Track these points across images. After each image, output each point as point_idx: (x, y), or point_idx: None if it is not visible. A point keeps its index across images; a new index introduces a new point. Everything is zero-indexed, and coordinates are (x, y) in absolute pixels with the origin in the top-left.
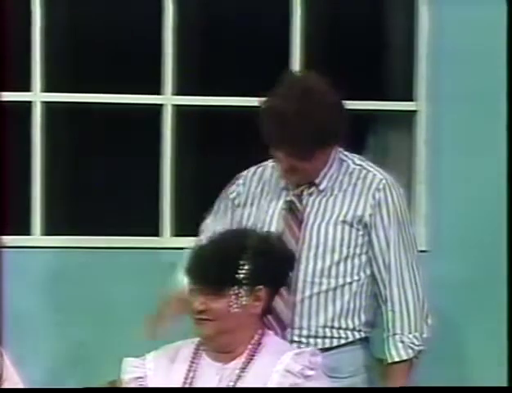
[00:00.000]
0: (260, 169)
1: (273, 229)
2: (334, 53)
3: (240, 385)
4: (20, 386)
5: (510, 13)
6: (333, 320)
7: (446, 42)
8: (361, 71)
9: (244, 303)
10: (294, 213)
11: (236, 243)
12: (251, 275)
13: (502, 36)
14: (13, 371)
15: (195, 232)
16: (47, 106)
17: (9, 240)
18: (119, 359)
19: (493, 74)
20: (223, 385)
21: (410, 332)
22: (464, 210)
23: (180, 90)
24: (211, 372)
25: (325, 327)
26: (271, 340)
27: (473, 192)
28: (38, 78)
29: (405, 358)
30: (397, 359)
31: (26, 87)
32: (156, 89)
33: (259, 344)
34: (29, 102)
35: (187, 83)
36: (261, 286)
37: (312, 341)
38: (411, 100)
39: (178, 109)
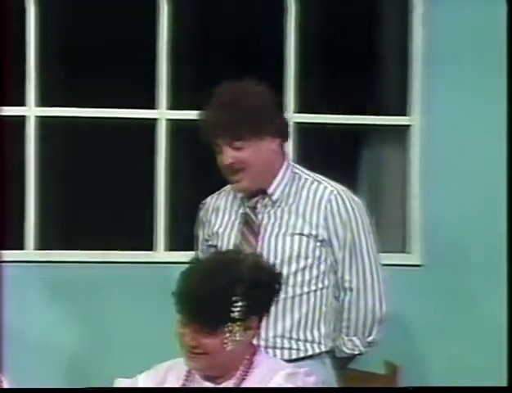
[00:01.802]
0: (219, 194)
1: (231, 242)
2: (327, 68)
3: None
4: None
5: (510, 15)
6: (291, 331)
7: (441, 57)
8: (355, 86)
9: (237, 338)
10: (249, 225)
11: (229, 277)
12: (245, 310)
13: (498, 50)
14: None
15: (189, 247)
16: (42, 120)
17: (2, 254)
18: (114, 373)
19: (489, 89)
20: None
21: (355, 335)
22: (459, 224)
23: (174, 104)
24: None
25: (283, 337)
26: (263, 358)
27: (468, 206)
28: (33, 92)
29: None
30: (340, 355)
31: (20, 101)
32: (151, 104)
33: (251, 363)
34: (23, 117)
35: (182, 98)
36: (254, 317)
37: (270, 351)
38: (405, 114)
39: (173, 123)
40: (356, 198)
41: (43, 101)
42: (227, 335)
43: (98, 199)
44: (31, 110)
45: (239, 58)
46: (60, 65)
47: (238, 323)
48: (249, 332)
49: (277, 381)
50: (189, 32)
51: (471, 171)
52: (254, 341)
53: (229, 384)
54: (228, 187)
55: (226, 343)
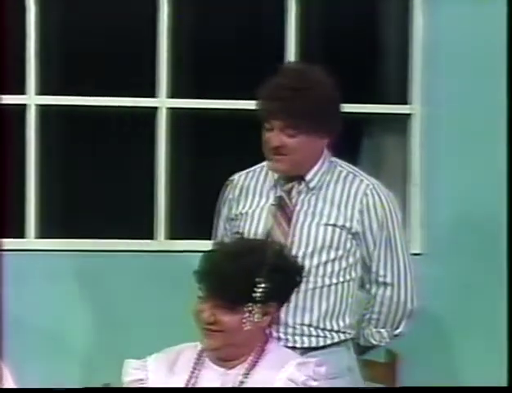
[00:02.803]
0: (247, 173)
1: (261, 224)
2: (328, 57)
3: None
4: None
5: (510, 13)
6: (318, 321)
7: (441, 45)
8: (355, 74)
9: (256, 320)
10: (283, 209)
11: (254, 259)
12: (266, 293)
13: (499, 38)
14: (12, 383)
15: (190, 235)
16: (42, 108)
17: (2, 243)
18: (116, 361)
19: (489, 77)
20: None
21: (384, 327)
22: (460, 213)
23: (175, 93)
24: (213, 378)
25: (310, 326)
26: (275, 346)
27: (468, 195)
28: (33, 81)
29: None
30: (365, 344)
31: (21, 90)
32: (151, 92)
33: (263, 350)
34: (24, 105)
35: (182, 86)
36: (273, 303)
37: (298, 338)
38: (406, 103)
39: (173, 112)
40: (390, 193)
41: (43, 89)
42: (246, 314)
43: (98, 187)
44: (31, 99)
45: (240, 47)
46: (60, 53)
47: (258, 305)
48: (265, 318)
49: (289, 370)
50: (190, 20)
51: (472, 160)
52: (267, 330)
53: (241, 370)
54: (257, 167)
55: (244, 323)
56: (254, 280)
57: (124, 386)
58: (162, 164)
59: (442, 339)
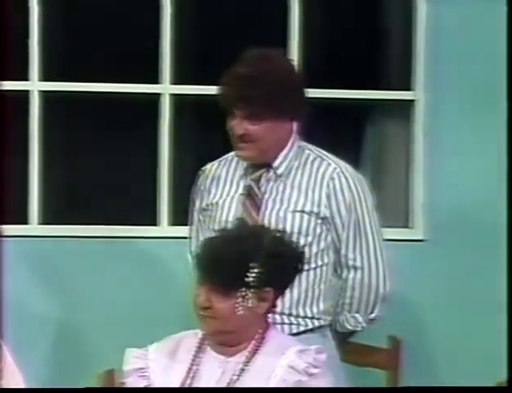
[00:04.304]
0: (219, 162)
1: (232, 214)
2: (331, 42)
3: (243, 379)
4: (18, 376)
5: (510, 12)
6: (290, 308)
7: (445, 31)
8: (359, 60)
9: (250, 305)
10: (252, 198)
11: (251, 244)
12: (260, 278)
13: (501, 25)
14: (11, 362)
15: None
16: (45, 94)
17: (6, 229)
18: (119, 348)
19: (492, 64)
20: (226, 378)
21: (358, 312)
22: (463, 199)
23: (178, 79)
24: (214, 365)
25: (282, 314)
26: (275, 334)
27: (470, 181)
28: (36, 67)
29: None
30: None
31: (24, 76)
32: (154, 78)
33: (263, 338)
34: (27, 91)
35: (185, 73)
36: (269, 289)
37: None
38: (409, 89)
39: (176, 98)
40: (359, 175)
41: (46, 75)
42: (240, 300)
43: (101, 174)
44: (34, 85)
45: (243, 32)
46: (63, 40)
47: (252, 290)
48: (262, 304)
49: (289, 357)
50: (193, 6)
51: (475, 146)
52: (267, 317)
53: (241, 357)
54: (229, 155)
55: (237, 307)
56: (247, 264)
57: (125, 374)
58: (165, 150)
59: (443, 325)
